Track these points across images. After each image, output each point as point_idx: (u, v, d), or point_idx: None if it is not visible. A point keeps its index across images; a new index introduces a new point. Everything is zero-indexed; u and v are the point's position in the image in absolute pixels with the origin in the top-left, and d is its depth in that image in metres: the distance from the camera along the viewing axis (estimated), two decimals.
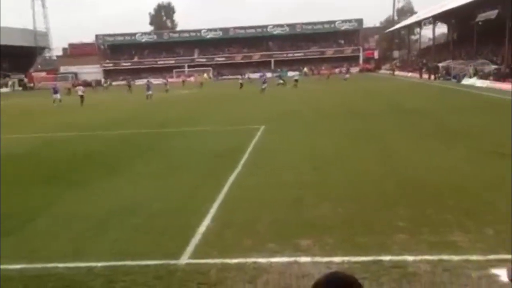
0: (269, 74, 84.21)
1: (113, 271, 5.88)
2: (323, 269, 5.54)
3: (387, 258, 5.78)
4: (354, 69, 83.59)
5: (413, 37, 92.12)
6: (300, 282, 5.30)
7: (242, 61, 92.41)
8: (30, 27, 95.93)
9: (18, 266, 6.08)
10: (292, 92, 39.78)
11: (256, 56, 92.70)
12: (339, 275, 1.72)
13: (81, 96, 37.22)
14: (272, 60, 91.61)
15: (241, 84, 49.41)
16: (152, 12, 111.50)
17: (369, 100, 29.98)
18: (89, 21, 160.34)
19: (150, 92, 38.62)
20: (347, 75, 61.14)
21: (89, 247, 6.75)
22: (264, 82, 42.01)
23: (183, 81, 65.41)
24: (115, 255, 6.36)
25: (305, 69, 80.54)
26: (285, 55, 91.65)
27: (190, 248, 6.44)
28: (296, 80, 47.14)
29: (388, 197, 8.47)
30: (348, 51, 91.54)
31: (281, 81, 49.59)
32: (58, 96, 37.81)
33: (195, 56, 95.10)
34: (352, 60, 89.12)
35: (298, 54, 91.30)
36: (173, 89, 51.38)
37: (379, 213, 7.58)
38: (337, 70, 79.29)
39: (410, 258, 5.76)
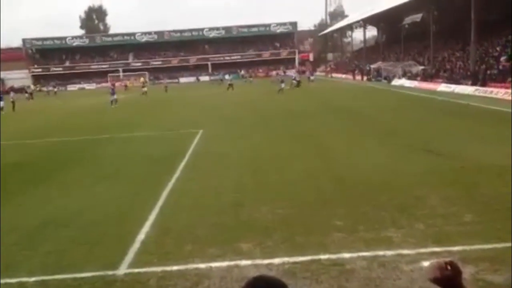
0: (206, 78, 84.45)
1: (46, 285, 5.62)
2: (264, 271, 5.59)
3: (325, 256, 5.92)
4: (290, 72, 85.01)
5: (346, 40, 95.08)
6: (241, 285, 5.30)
7: (178, 64, 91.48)
8: None
9: None
10: (229, 94, 39.88)
11: (193, 60, 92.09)
12: (266, 278, 1.72)
13: (13, 102, 36.12)
14: (209, 63, 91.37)
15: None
16: (83, 15, 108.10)
17: (306, 100, 30.62)
18: (15, 25, 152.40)
19: (115, 97, 35.69)
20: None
21: (20, 261, 6.41)
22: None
23: (125, 86, 63.55)
24: (48, 269, 6.08)
25: (242, 72, 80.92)
26: (222, 58, 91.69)
27: (129, 257, 6.28)
28: (231, 84, 46.85)
29: (325, 195, 8.68)
30: (284, 53, 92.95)
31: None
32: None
33: (130, 60, 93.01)
34: (288, 62, 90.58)
35: (235, 57, 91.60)
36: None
37: (317, 212, 7.75)
38: (274, 73, 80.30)
39: (347, 255, 5.93)
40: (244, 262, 5.93)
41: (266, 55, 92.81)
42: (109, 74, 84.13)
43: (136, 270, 5.88)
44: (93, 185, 10.79)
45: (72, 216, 8.42)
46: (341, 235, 6.66)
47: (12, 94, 40.92)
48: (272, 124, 19.83)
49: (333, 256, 5.92)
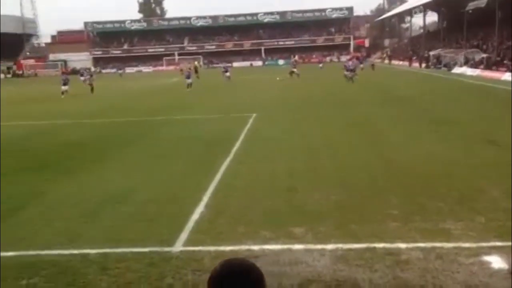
0: (259, 63, 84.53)
1: (106, 258, 5.86)
2: (317, 256, 5.58)
3: (380, 245, 5.82)
4: (345, 58, 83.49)
5: (404, 26, 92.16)
6: (294, 269, 5.32)
7: (232, 49, 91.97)
8: (18, 13, 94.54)
9: (11, 253, 6.04)
10: (288, 83, 39.69)
11: (247, 44, 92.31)
12: (235, 261, 1.62)
13: (90, 85, 36.02)
14: (263, 48, 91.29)
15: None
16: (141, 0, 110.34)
17: (361, 88, 30.02)
18: (77, 8, 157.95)
19: (190, 81, 34.88)
20: (321, 65, 58.10)
21: (82, 234, 6.72)
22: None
23: (181, 70, 63.85)
24: (109, 242, 6.34)
25: (296, 58, 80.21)
26: (275, 43, 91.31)
27: (183, 236, 6.43)
28: (292, 71, 41.40)
29: (379, 183, 8.52)
30: (338, 39, 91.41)
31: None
32: (67, 87, 33.32)
33: (185, 44, 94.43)
34: (342, 48, 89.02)
35: (289, 42, 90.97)
36: (169, 77, 51.05)
37: (372, 200, 7.62)
38: (328, 59, 79.19)
39: (403, 245, 5.80)
40: (296, 246, 5.93)
41: (320, 40, 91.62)
42: (165, 58, 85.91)
43: (191, 248, 6.02)
44: (149, 165, 11.10)
45: (130, 193, 8.71)
46: (396, 224, 6.53)
47: (86, 75, 41.20)
48: (326, 111, 19.61)
49: (388, 245, 5.81)
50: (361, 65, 49.17)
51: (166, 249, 6.03)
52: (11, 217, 7.63)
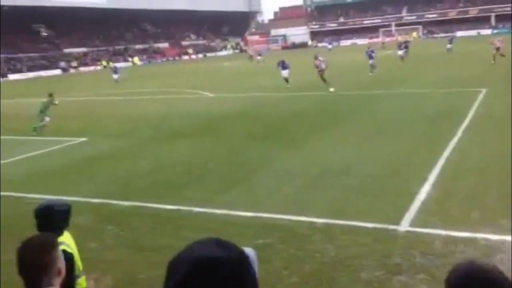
0: (488, 31, 75.78)
1: (332, 228, 6.01)
2: None
3: None
4: None
5: None
6: None
7: (456, 17, 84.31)
8: None
9: (250, 214, 6.66)
10: None
11: (474, 11, 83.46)
12: (480, 266, 1.32)
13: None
14: (493, 15, 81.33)
15: None
16: None
17: None
18: None
19: (400, 53, 33.16)
20: None
21: (308, 203, 7.02)
22: None
23: (383, 43, 61.31)
24: (333, 213, 6.48)
25: None
26: (509, 9, 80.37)
27: (409, 215, 6.18)
28: None
29: None
30: None
31: None
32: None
33: (404, 13, 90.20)
34: None
35: None
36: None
37: None
38: None
39: None
40: None
41: None
42: (381, 29, 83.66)
43: (419, 230, 5.75)
44: (368, 139, 10.98)
45: (350, 166, 8.76)
46: None
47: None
48: None
49: None
50: None
51: (392, 227, 5.88)
52: (246, 181, 8.42)
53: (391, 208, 6.49)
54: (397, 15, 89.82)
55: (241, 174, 8.83)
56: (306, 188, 7.73)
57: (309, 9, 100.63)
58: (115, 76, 35.31)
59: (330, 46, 66.41)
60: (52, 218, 2.98)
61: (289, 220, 6.33)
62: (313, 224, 6.14)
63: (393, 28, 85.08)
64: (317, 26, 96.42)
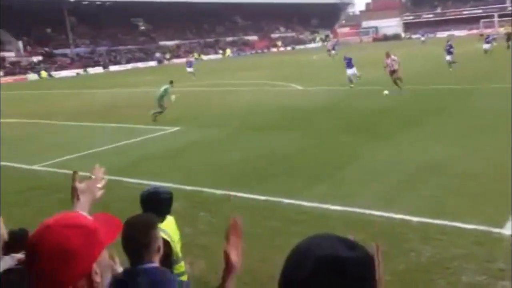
0: None
1: (428, 227, 5.72)
2: None
3: None
4: None
5: None
6: None
7: None
8: None
9: (339, 208, 6.55)
10: None
11: None
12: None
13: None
14: None
15: None
16: None
17: None
18: None
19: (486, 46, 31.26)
20: None
21: (400, 200, 6.75)
22: None
23: (481, 34, 56.78)
24: (428, 212, 6.17)
25: None
26: None
27: None
28: None
29: None
30: None
31: None
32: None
33: (507, 4, 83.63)
34: None
35: None
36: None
37: None
38: None
39: None
40: None
41: None
42: (482, 20, 78.37)
43: None
44: (466, 136, 10.35)
45: (447, 164, 8.30)
46: None
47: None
48: None
49: None
50: None
51: (495, 229, 5.48)
52: (336, 175, 8.28)
53: (493, 210, 6.05)
54: (500, 5, 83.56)
55: (331, 168, 8.69)
56: (399, 185, 7.45)
57: (403, 0, 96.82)
58: (189, 70, 34.46)
59: (423, 38, 63.11)
60: (157, 204, 3.11)
61: (381, 217, 6.12)
62: (407, 222, 5.88)
63: (496, 19, 79.23)
64: (411, 17, 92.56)
